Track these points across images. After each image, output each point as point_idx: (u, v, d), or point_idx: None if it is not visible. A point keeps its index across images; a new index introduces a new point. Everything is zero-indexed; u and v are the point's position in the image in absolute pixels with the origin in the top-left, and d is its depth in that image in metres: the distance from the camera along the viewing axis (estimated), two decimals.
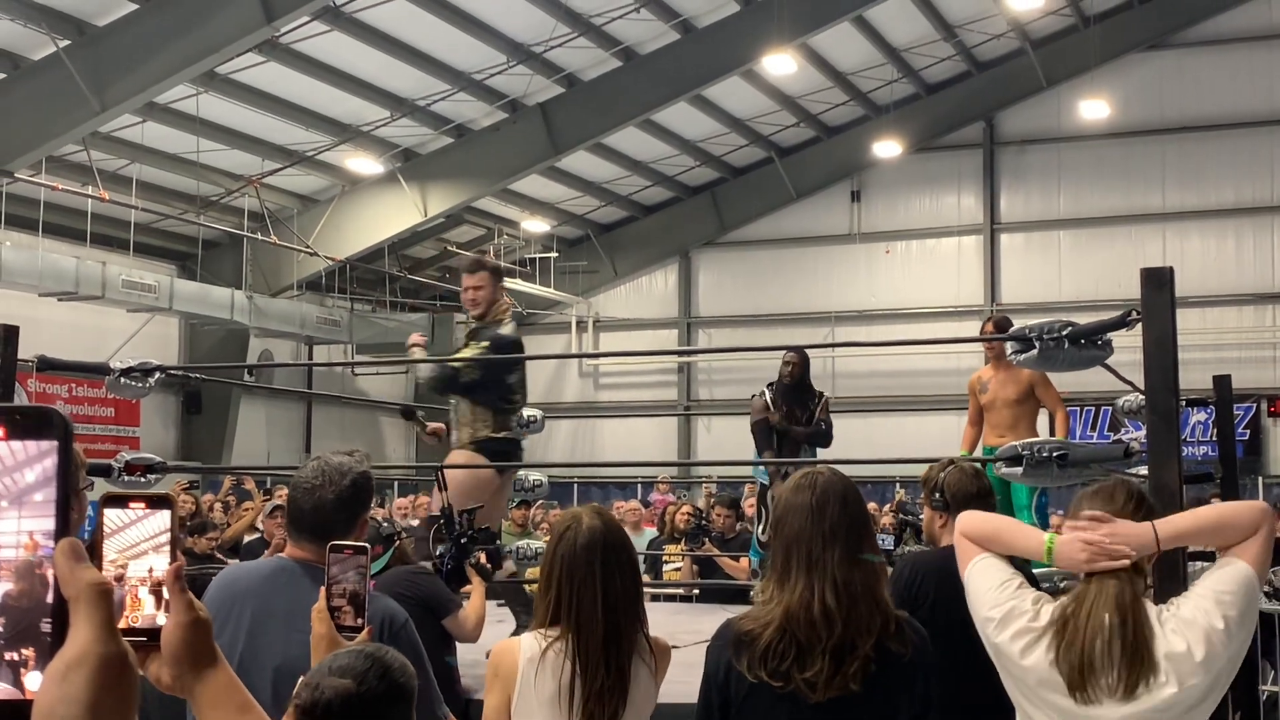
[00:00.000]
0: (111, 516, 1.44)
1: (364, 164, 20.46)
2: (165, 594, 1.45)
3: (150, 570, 1.45)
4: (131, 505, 1.45)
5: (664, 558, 11.32)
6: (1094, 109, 21.98)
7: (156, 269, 20.31)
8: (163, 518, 1.45)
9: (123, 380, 6.60)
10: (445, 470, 6.43)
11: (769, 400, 8.91)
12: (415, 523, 12.11)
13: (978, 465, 4.53)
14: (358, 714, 2.23)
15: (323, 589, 2.47)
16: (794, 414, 8.86)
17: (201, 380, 19.86)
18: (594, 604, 3.16)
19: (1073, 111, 22.45)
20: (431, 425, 7.29)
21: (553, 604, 3.23)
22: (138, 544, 1.44)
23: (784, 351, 9.22)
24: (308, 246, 20.55)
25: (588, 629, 3.16)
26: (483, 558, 5.31)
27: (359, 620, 2.45)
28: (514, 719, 3.21)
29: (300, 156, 19.86)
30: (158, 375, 6.66)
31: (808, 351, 9.33)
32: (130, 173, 18.81)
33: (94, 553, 1.43)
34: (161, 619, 1.45)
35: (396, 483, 20.64)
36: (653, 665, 3.23)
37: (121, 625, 1.43)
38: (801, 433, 8.81)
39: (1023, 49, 22.35)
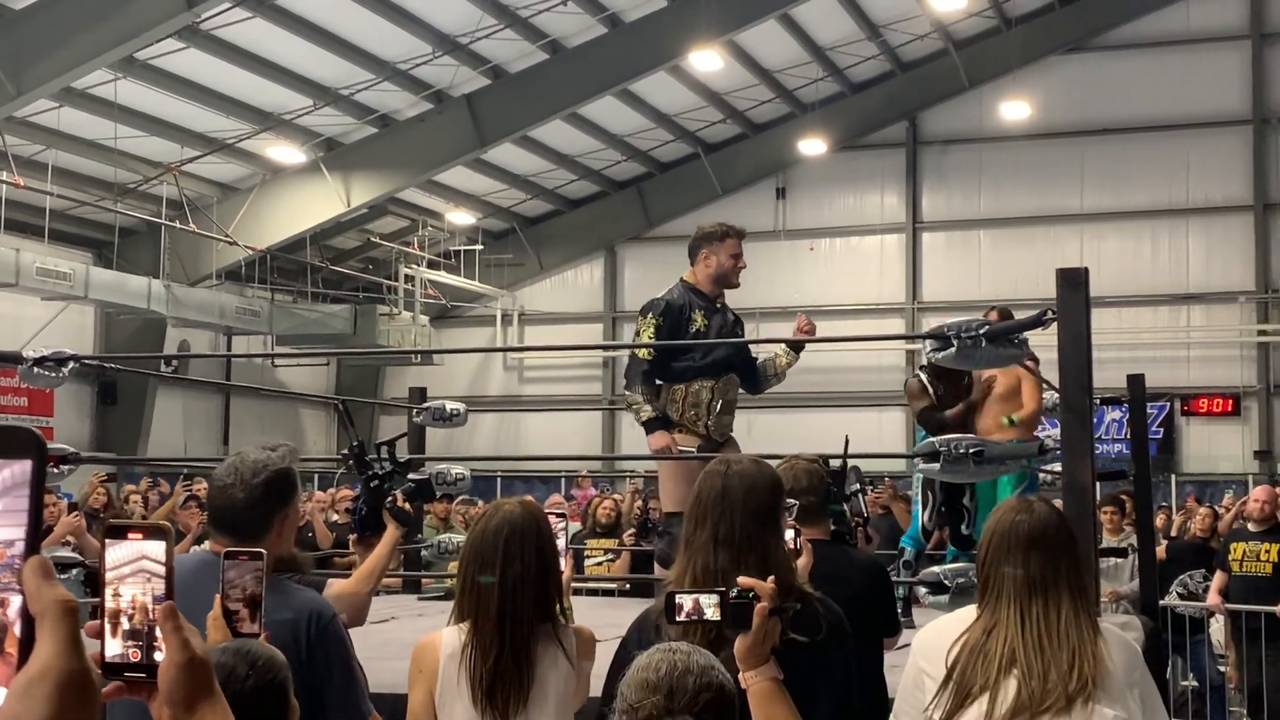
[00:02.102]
0: (110, 547, 1.43)
1: (286, 153, 20.25)
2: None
3: (150, 602, 1.43)
4: (130, 536, 1.44)
5: (586, 552, 11.33)
6: (1015, 110, 22.28)
7: (72, 257, 19.97)
8: (158, 548, 1.44)
9: (36, 370, 6.49)
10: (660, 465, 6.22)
11: (925, 382, 8.30)
12: (335, 517, 12.02)
13: (810, 464, 4.50)
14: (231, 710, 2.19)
15: (218, 596, 2.45)
16: (952, 396, 8.22)
17: (117, 370, 19.51)
18: (490, 588, 3.20)
19: (994, 112, 22.75)
20: (667, 438, 6.51)
21: (461, 596, 3.27)
22: (136, 576, 1.43)
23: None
24: (227, 236, 20.30)
25: (484, 612, 3.20)
26: (400, 499, 4.69)
27: (255, 625, 2.43)
28: (438, 713, 3.23)
29: (220, 144, 19.62)
30: (72, 365, 6.55)
31: None
32: (46, 159, 18.49)
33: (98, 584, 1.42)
34: (159, 655, 1.44)
35: (317, 475, 20.43)
36: (571, 652, 3.24)
37: (119, 659, 1.42)
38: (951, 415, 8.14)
39: (946, 50, 22.59)
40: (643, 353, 6.54)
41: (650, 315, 6.67)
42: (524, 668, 3.19)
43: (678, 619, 2.63)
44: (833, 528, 4.51)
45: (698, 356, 6.62)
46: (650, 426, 6.51)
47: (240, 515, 3.27)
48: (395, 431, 6.55)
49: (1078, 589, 3.08)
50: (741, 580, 2.64)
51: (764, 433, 22.12)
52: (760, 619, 2.58)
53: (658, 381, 6.61)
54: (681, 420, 6.59)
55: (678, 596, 2.63)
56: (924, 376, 8.32)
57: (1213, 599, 9.88)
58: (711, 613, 2.60)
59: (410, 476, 5.02)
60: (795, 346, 6.88)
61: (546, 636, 3.23)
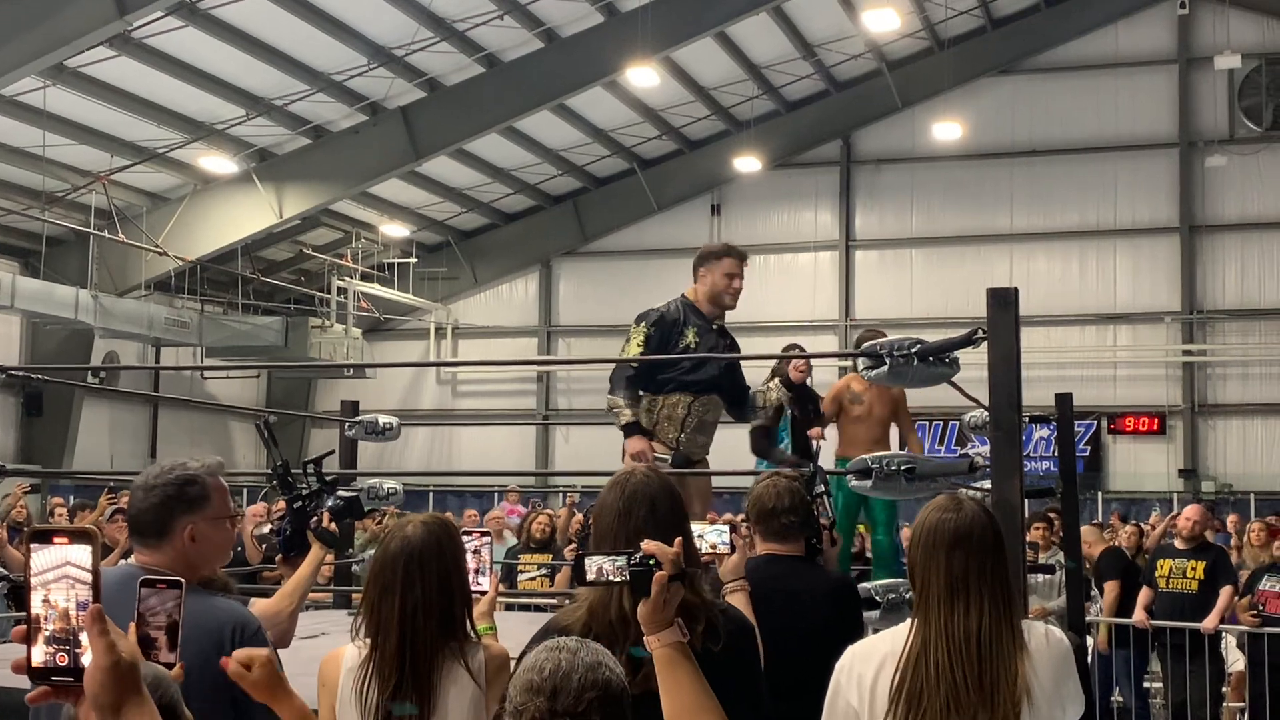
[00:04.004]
0: (36, 552, 1.41)
1: (218, 163, 20.05)
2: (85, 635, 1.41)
3: (66, 608, 1.41)
4: (55, 540, 1.42)
5: (520, 567, 11.30)
6: (946, 131, 22.53)
7: None
8: (79, 552, 1.42)
9: None
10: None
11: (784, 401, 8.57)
12: (267, 529, 11.89)
13: (791, 481, 4.57)
14: None
15: (132, 624, 2.41)
16: (808, 413, 8.43)
17: (43, 381, 19.25)
18: (392, 611, 3.20)
19: (926, 133, 22.99)
20: (644, 443, 6.50)
21: (365, 614, 3.28)
22: (60, 582, 1.41)
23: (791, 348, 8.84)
24: (157, 246, 20.06)
25: (384, 635, 3.20)
26: (326, 519, 4.63)
27: (173, 655, 2.40)
28: None
29: (151, 154, 19.38)
30: None
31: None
32: None
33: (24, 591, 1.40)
34: (85, 659, 1.41)
35: (246, 489, 20.21)
36: (478, 672, 3.22)
37: (46, 664, 1.40)
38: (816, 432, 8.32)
39: (879, 70, 22.80)
40: (635, 347, 6.55)
41: (643, 324, 6.67)
42: (424, 692, 3.16)
43: (586, 580, 2.69)
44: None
45: (683, 370, 6.62)
46: (628, 430, 6.50)
47: (141, 515, 3.24)
48: (327, 445, 6.46)
49: (1002, 595, 3.04)
50: (645, 545, 2.68)
51: None
52: (659, 586, 2.61)
53: (641, 392, 6.61)
54: (654, 431, 6.60)
55: (587, 559, 2.69)
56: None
57: (1138, 615, 10.02)
58: (617, 576, 2.66)
59: (339, 494, 4.96)
60: (788, 384, 6.87)
61: (451, 656, 3.21)
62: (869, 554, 9.23)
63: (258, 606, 4.11)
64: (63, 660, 1.44)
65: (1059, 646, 3.09)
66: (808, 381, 8.65)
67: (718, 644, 2.98)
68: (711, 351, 6.64)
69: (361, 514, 6.84)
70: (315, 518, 4.56)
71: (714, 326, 6.78)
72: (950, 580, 3.03)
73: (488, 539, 3.87)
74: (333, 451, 5.69)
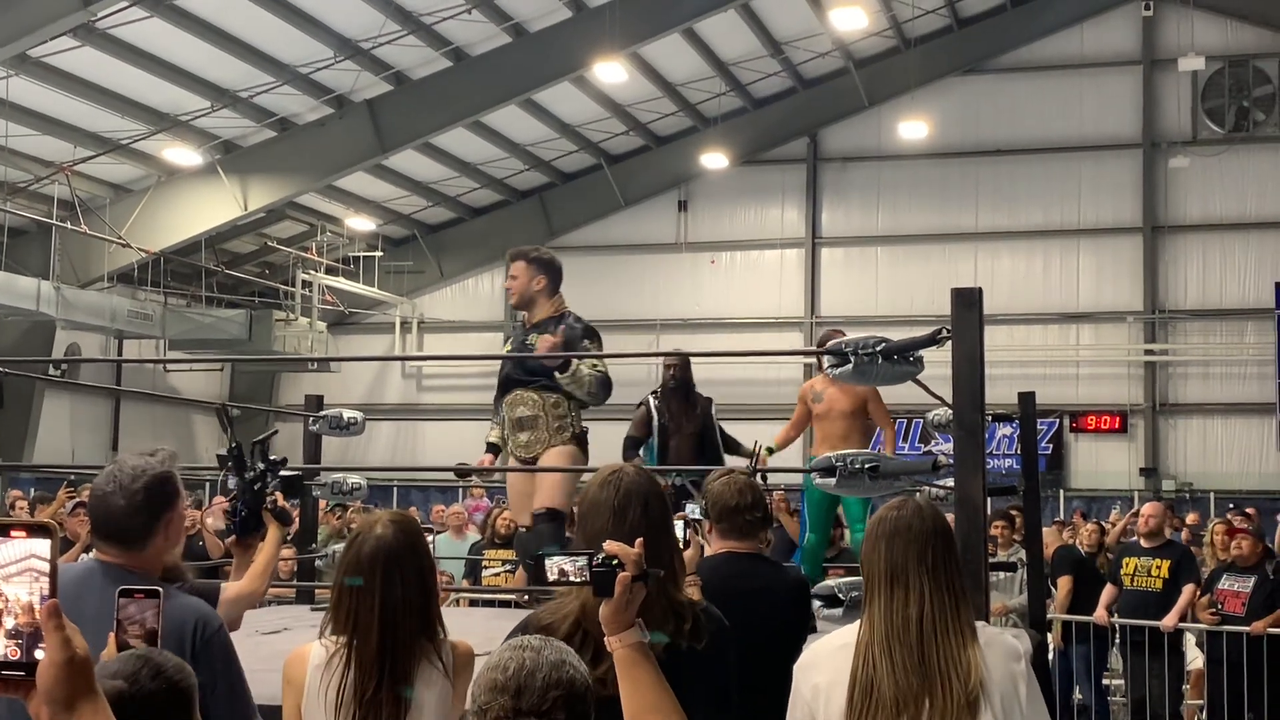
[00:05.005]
0: None
1: (182, 154, 19.92)
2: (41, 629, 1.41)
3: (30, 601, 1.40)
4: (13, 534, 1.41)
5: (484, 563, 11.28)
6: (913, 129, 22.62)
7: None
8: (42, 546, 1.41)
9: None
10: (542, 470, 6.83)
11: (653, 408, 8.68)
12: (223, 517, 11.82)
13: (751, 478, 4.60)
14: (132, 714, 2.18)
15: (111, 635, 2.40)
16: (681, 419, 8.67)
17: (4, 373, 19.06)
18: (371, 613, 3.19)
19: (892, 131, 23.06)
20: (484, 458, 7.31)
21: (336, 612, 3.27)
22: (17, 574, 1.40)
23: (665, 357, 9.31)
24: (120, 237, 19.91)
25: (364, 637, 3.19)
26: (281, 499, 4.69)
27: None
28: None
29: (115, 144, 19.24)
30: None
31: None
32: None
33: None
34: (39, 653, 1.40)
35: (208, 483, 20.08)
36: (448, 669, 3.22)
37: None
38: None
39: (846, 68, 22.86)
40: None
41: None
42: (402, 693, 3.17)
43: (547, 581, 2.67)
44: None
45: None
46: (486, 449, 7.38)
47: (122, 523, 3.23)
48: (289, 440, 6.45)
49: (945, 583, 3.03)
50: (607, 545, 2.66)
51: None
52: (622, 586, 2.61)
53: None
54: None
55: (547, 560, 2.66)
56: (652, 403, 8.63)
57: (1099, 613, 10.09)
58: (578, 576, 2.65)
59: (280, 473, 4.98)
60: (562, 367, 7.03)
61: (425, 654, 3.22)
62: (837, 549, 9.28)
63: (231, 590, 4.14)
64: (15, 654, 1.43)
65: (1016, 648, 3.11)
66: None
67: (700, 642, 2.99)
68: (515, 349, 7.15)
69: (300, 492, 6.96)
70: (271, 497, 4.58)
71: (526, 327, 7.26)
72: (890, 568, 3.05)
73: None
74: (277, 430, 5.73)
